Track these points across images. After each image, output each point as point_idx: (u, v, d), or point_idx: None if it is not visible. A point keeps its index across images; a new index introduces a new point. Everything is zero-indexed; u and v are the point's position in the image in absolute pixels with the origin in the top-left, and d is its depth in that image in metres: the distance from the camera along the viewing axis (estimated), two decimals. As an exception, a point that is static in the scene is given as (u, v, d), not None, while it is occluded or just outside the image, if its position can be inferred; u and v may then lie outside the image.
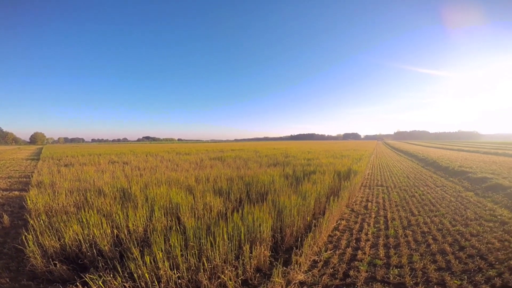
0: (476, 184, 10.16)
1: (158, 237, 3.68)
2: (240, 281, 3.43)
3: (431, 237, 4.99)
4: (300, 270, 3.71)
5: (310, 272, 3.75)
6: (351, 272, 3.73)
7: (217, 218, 4.72)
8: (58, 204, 6.02)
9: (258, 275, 3.66)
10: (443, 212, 6.63)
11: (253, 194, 7.16)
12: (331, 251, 4.48)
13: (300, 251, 4.07)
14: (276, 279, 3.33)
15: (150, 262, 3.26)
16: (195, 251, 3.52)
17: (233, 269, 3.45)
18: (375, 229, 5.53)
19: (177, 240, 3.59)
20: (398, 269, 3.79)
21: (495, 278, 3.39)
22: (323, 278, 3.58)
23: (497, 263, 3.83)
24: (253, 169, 11.79)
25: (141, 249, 3.75)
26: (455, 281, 3.40)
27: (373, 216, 6.52)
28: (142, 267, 3.17)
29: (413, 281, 3.43)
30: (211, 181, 8.45)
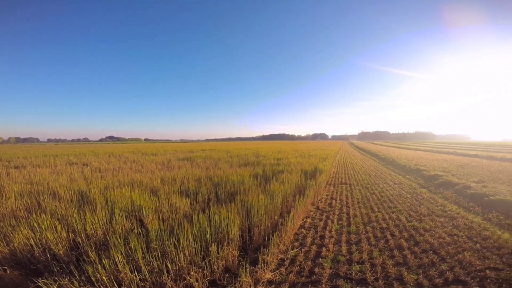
0: (429, 181, 11.05)
1: (118, 240, 3.56)
2: (207, 282, 3.41)
3: (389, 232, 5.28)
4: (268, 269, 3.74)
5: (277, 271, 3.80)
6: (316, 269, 3.82)
7: (182, 220, 4.63)
8: (6, 208, 5.56)
9: (227, 275, 3.64)
10: (400, 208, 7.09)
11: (222, 194, 7.11)
12: (297, 249, 4.57)
13: (267, 250, 4.10)
14: (244, 279, 3.35)
15: (109, 265, 3.16)
16: (158, 253, 3.45)
17: (200, 270, 3.43)
18: (338, 226, 5.73)
19: (138, 242, 3.51)
20: (360, 265, 3.95)
21: (447, 272, 3.64)
22: (290, 276, 3.63)
23: (448, 257, 4.12)
24: (223, 169, 11.64)
25: (100, 252, 3.61)
26: (412, 276, 3.60)
27: (337, 213, 6.77)
28: (100, 270, 3.06)
29: (374, 277, 3.59)
30: (178, 182, 8.26)
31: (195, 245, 3.74)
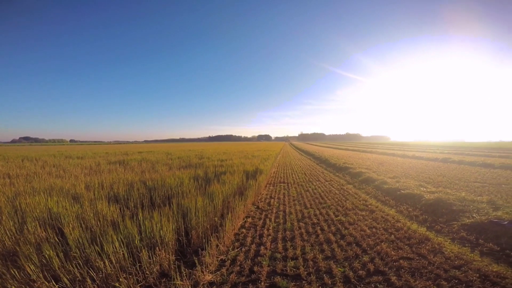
0: (355, 177, 12.42)
1: (29, 249, 3.39)
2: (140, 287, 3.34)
3: (319, 227, 5.69)
4: (207, 271, 3.75)
5: (218, 272, 3.81)
6: (256, 268, 3.92)
7: (107, 226, 4.41)
8: None
9: (163, 280, 3.55)
10: (329, 204, 7.74)
11: (157, 198, 6.80)
12: (238, 249, 4.63)
13: (207, 252, 4.08)
14: (179, 282, 3.32)
15: (22, 276, 3.03)
16: (79, 262, 3.31)
17: (130, 276, 3.32)
18: (275, 224, 5.99)
19: (54, 251, 3.37)
20: (294, 261, 4.17)
21: (369, 264, 3.99)
22: (231, 277, 3.66)
23: (368, 249, 4.53)
24: (161, 172, 11.02)
25: (8, 263, 3.40)
26: (339, 269, 3.87)
27: (274, 211, 7.07)
28: (9, 280, 2.94)
29: (306, 272, 3.81)
30: (107, 188, 7.61)
31: (123, 251, 3.60)
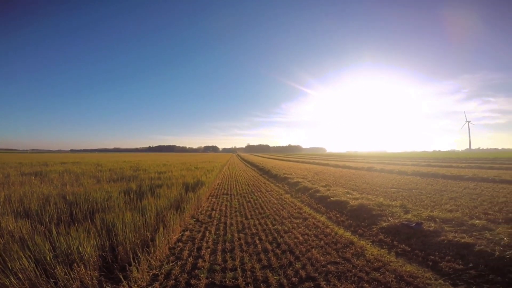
0: (292, 187, 13.06)
1: None
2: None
3: (258, 237, 5.76)
4: (137, 285, 3.62)
5: (150, 287, 3.67)
6: (192, 281, 3.80)
7: (12, 243, 4.02)
8: None
9: None
10: (268, 213, 7.94)
11: (79, 213, 6.13)
12: (173, 263, 4.43)
13: (134, 267, 3.84)
14: None
15: None
16: None
17: None
18: (215, 236, 5.89)
19: None
20: (233, 272, 4.14)
21: (301, 270, 4.14)
22: None
23: (301, 255, 4.72)
24: (87, 185, 9.82)
25: None
26: (275, 277, 3.96)
27: (215, 223, 6.95)
28: None
29: (245, 282, 3.82)
30: (16, 202, 6.59)
31: (33, 268, 3.40)
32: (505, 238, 4.63)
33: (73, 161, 29.72)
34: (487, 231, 5.08)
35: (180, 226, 6.21)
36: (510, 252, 4.11)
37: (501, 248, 4.28)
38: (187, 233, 6.07)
